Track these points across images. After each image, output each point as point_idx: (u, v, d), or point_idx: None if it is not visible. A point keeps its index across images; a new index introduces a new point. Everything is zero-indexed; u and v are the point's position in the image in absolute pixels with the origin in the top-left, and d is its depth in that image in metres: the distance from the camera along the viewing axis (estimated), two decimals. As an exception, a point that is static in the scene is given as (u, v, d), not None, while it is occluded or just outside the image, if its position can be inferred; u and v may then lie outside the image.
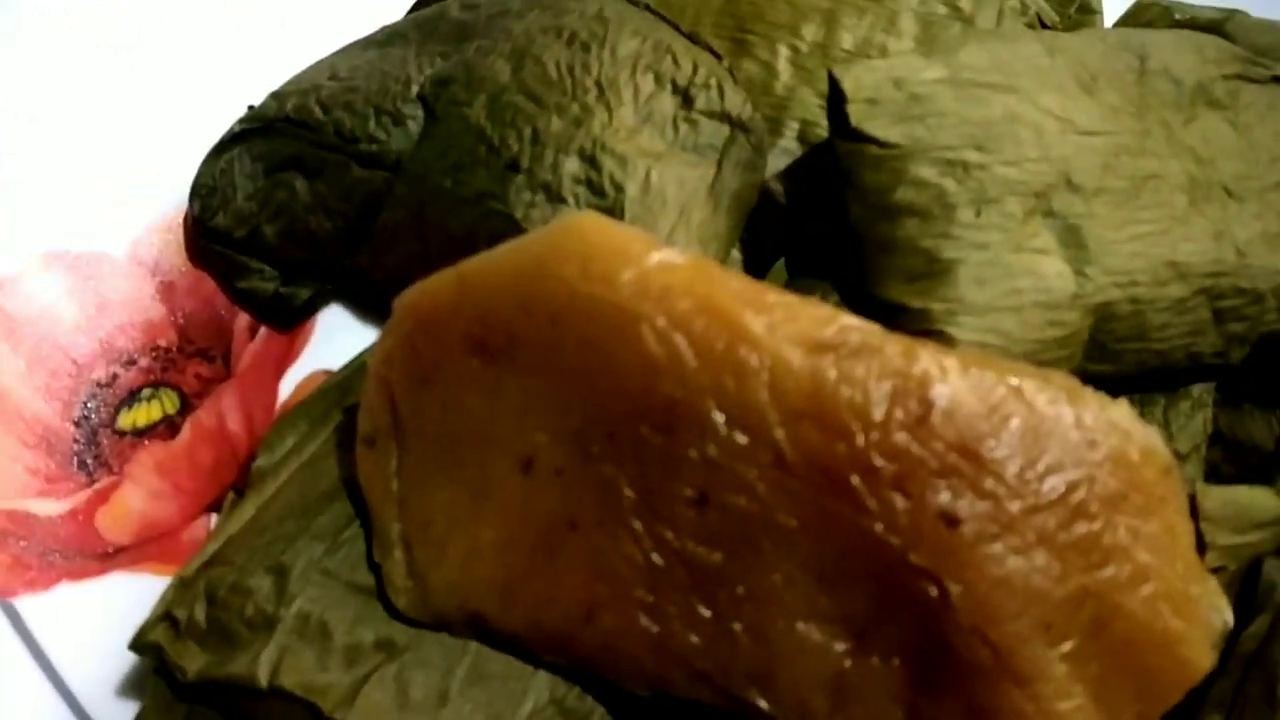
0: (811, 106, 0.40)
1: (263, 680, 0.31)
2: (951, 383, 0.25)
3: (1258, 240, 0.35)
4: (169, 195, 0.43)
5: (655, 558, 0.27)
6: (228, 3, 0.44)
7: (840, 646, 0.26)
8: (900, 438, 0.25)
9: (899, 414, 0.25)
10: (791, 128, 0.40)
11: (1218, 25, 0.41)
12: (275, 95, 0.41)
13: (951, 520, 0.25)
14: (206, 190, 0.41)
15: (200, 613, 0.32)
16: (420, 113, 0.38)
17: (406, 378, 0.30)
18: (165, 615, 0.33)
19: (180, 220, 0.43)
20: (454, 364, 0.29)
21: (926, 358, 0.25)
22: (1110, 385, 0.30)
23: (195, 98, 0.43)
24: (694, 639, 0.27)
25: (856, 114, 0.34)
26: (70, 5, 0.42)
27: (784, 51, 0.41)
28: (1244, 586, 0.30)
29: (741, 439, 0.26)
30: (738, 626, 0.27)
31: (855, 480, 0.25)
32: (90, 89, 0.42)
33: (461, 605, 0.30)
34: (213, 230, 0.41)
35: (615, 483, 0.27)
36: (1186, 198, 0.35)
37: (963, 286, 0.33)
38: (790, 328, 0.26)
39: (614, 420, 0.27)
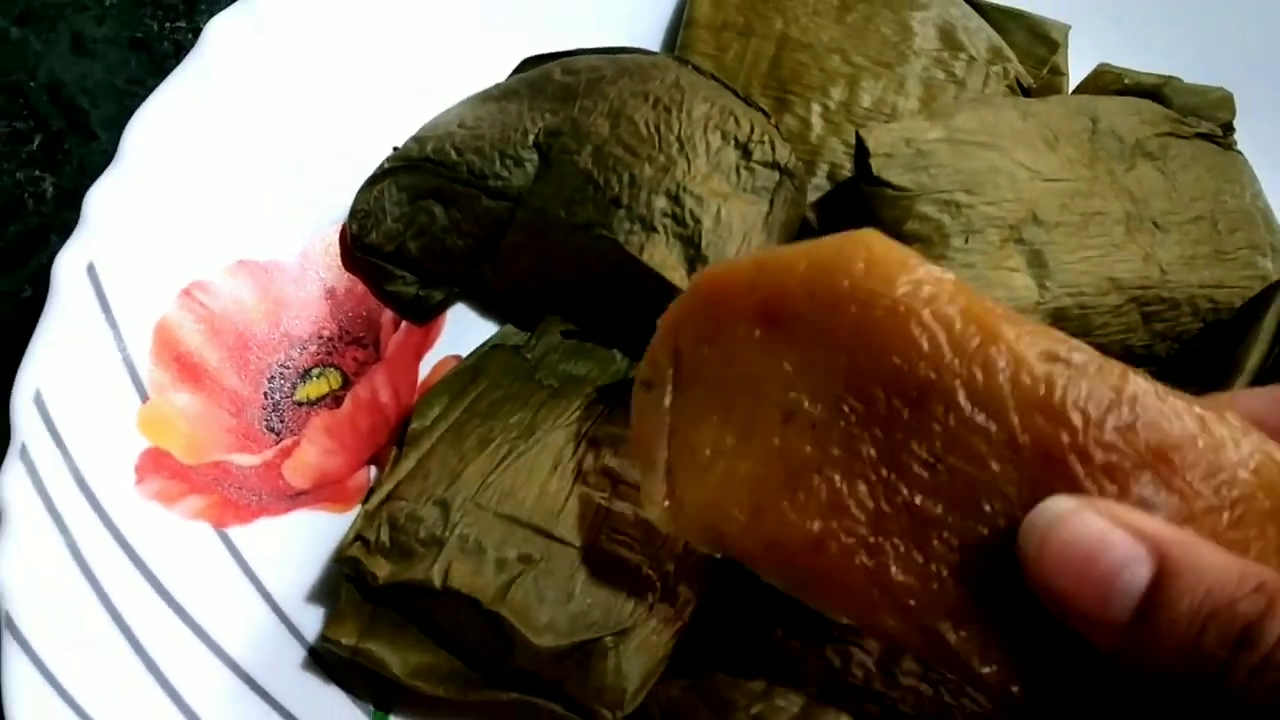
0: (838, 152, 0.46)
1: (436, 582, 0.38)
2: (1154, 403, 0.29)
3: (1177, 262, 0.42)
4: (329, 217, 0.48)
5: (884, 505, 0.30)
6: (372, 65, 0.49)
7: None
8: (1112, 436, 0.29)
9: (1112, 419, 0.29)
10: (822, 169, 0.46)
11: (1157, 89, 0.47)
12: (416, 139, 0.47)
13: (1148, 507, 0.28)
14: (363, 214, 0.47)
15: (385, 535, 0.39)
16: (536, 157, 0.44)
17: (695, 335, 0.33)
18: (358, 537, 0.40)
19: (337, 236, 0.48)
20: (740, 328, 0.32)
21: (1135, 381, 0.29)
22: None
23: (350, 140, 0.48)
24: (903, 578, 0.30)
25: (877, 165, 0.40)
26: (251, 60, 0.47)
27: (816, 109, 0.47)
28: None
29: (980, 418, 0.29)
30: (944, 571, 0.30)
31: (1074, 464, 0.29)
32: (266, 133, 0.47)
33: (708, 524, 0.33)
34: (367, 245, 0.47)
35: (861, 441, 0.30)
36: (1124, 229, 0.42)
37: (954, 296, 0.41)
38: (1033, 339, 0.30)
39: (870, 391, 0.30)
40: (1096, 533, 0.26)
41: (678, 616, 0.39)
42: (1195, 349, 0.43)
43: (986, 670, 0.30)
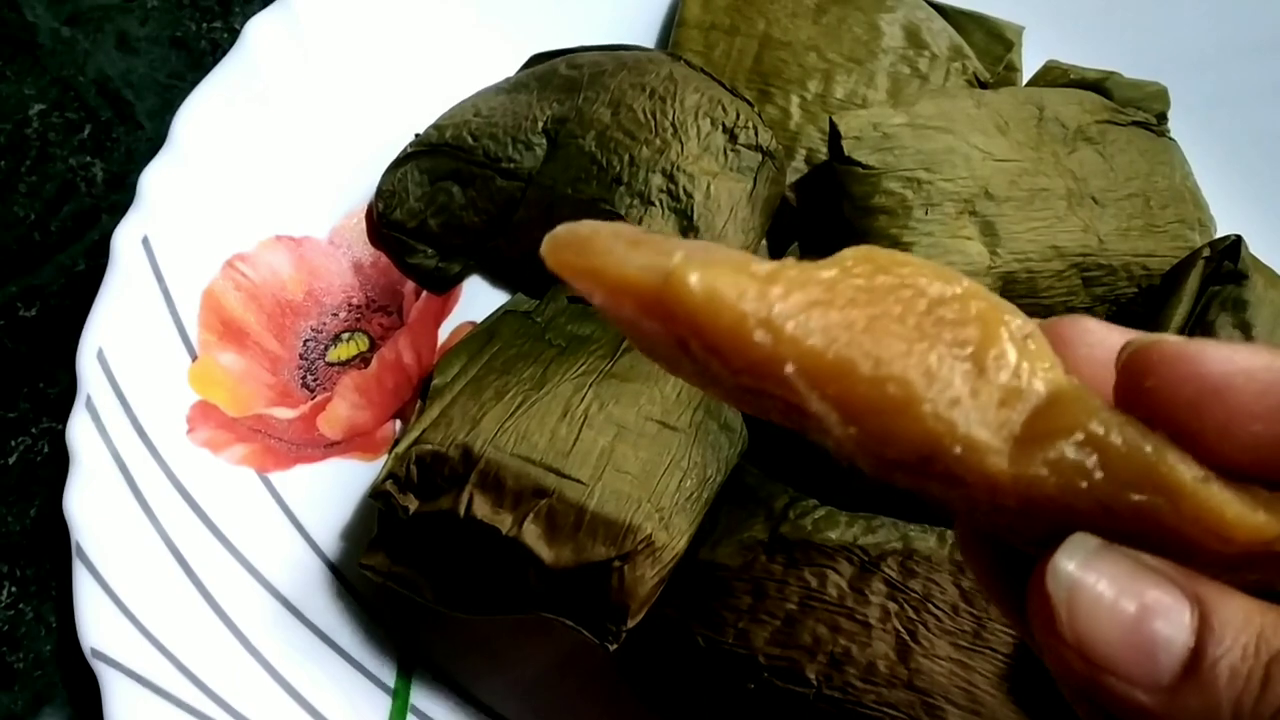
0: (814, 139, 0.50)
1: (461, 513, 0.41)
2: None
3: (1113, 233, 0.46)
4: (357, 197, 0.51)
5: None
6: (396, 61, 0.53)
7: None
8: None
9: None
10: (800, 154, 0.50)
11: (1099, 83, 0.50)
12: (435, 126, 0.51)
13: None
14: (388, 194, 0.51)
15: (414, 473, 0.43)
16: (544, 141, 0.48)
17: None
18: (390, 475, 0.43)
19: (365, 214, 0.51)
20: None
21: None
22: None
23: (376, 128, 0.52)
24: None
25: (848, 146, 0.44)
26: (287, 55, 0.51)
27: (795, 100, 0.50)
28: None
29: None
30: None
31: None
32: (300, 121, 0.51)
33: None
34: (391, 222, 0.50)
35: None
36: (1066, 204, 0.45)
37: (916, 262, 0.45)
38: None
39: None
40: (1126, 575, 0.20)
41: (674, 543, 0.42)
42: (1130, 311, 0.47)
43: None
